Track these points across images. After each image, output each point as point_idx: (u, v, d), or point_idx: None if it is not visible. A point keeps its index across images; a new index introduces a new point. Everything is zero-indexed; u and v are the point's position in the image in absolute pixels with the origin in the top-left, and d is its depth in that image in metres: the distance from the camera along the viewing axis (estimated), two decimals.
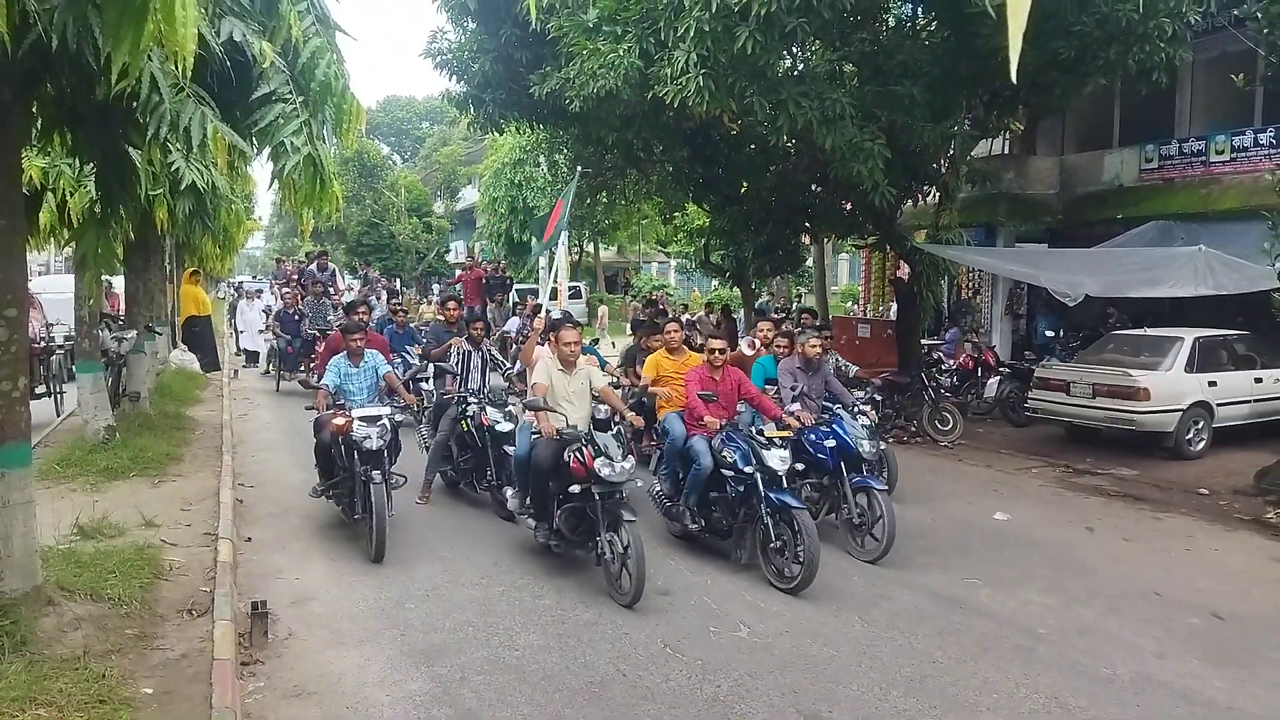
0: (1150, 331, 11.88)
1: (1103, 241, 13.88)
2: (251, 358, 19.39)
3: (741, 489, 6.55)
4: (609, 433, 6.38)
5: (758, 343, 8.98)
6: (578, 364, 6.87)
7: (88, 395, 9.53)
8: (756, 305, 20.50)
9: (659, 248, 36.72)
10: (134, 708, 4.14)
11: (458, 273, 26.08)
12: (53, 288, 16.27)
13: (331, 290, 17.03)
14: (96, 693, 4.15)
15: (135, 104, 4.21)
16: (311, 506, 8.35)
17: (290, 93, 4.54)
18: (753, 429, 6.78)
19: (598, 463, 6.05)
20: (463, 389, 8.52)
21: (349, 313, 10.35)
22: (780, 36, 9.26)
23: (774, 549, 6.31)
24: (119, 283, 15.40)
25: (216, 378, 16.72)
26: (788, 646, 5.33)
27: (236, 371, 18.29)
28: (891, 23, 12.49)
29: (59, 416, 11.30)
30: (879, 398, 9.08)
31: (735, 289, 20.14)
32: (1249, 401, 11.20)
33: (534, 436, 6.68)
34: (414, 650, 5.23)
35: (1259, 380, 11.23)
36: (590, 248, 35.31)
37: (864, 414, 7.66)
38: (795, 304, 25.33)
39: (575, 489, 6.20)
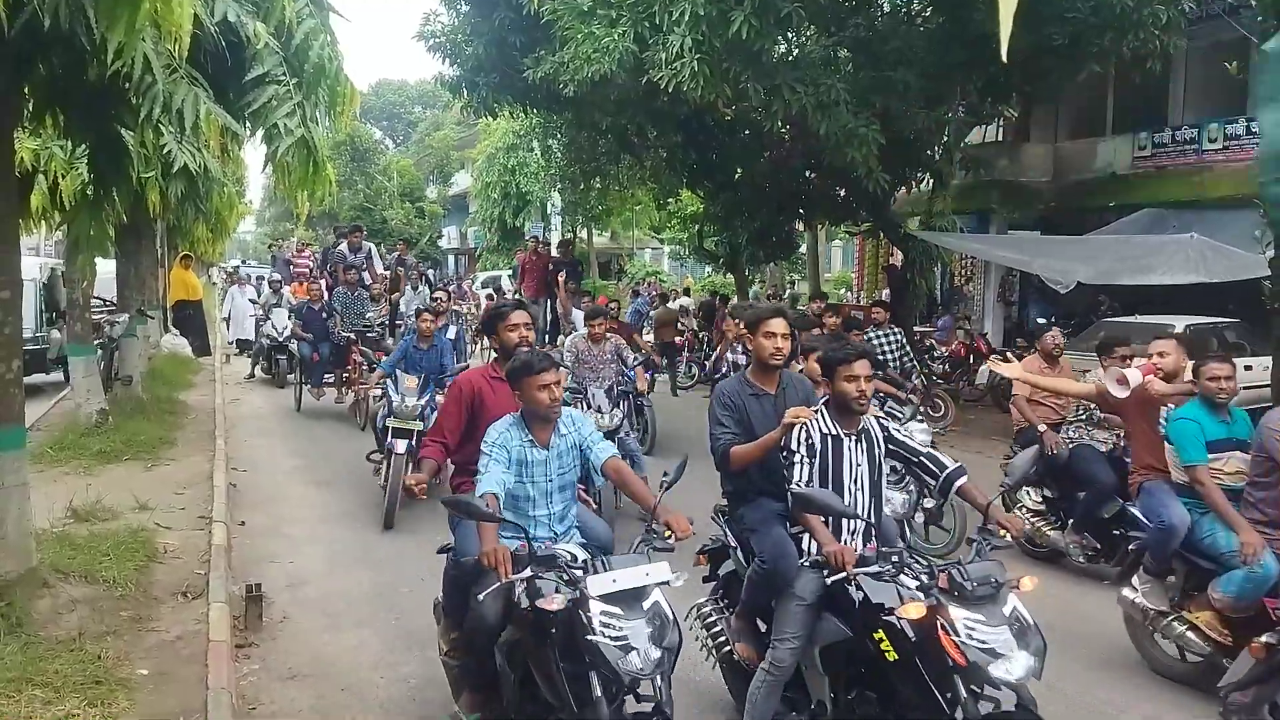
0: (1141, 319, 11.93)
1: (1095, 229, 13.94)
2: (244, 346, 18.01)
3: None
4: None
5: (1140, 374, 5.24)
6: None
7: (80, 379, 9.50)
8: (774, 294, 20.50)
9: (653, 234, 36.67)
10: (130, 689, 4.16)
11: (516, 255, 20.02)
12: None
13: (368, 278, 13.23)
14: (92, 674, 4.16)
15: (128, 85, 4.19)
16: (306, 493, 8.37)
17: (284, 74, 4.51)
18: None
19: None
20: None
21: (493, 328, 4.60)
22: (775, 21, 9.27)
23: None
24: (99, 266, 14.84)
25: (208, 362, 16.68)
26: None
27: (228, 357, 18.23)
28: (886, 8, 12.48)
29: None
30: None
31: (729, 275, 20.15)
32: (1239, 389, 11.26)
33: None
34: (409, 634, 5.24)
35: (1249, 368, 11.28)
36: (584, 234, 35.28)
37: None
38: (788, 290, 25.35)
39: None
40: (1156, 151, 14.87)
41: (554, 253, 16.39)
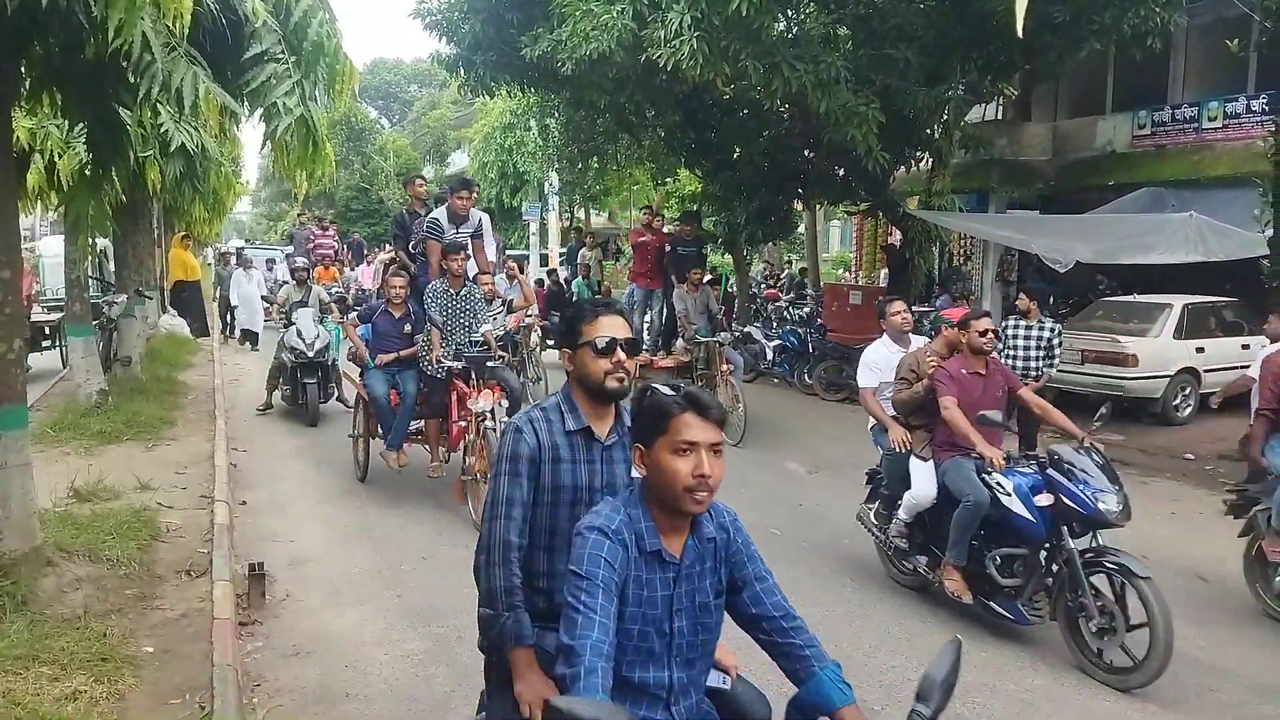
0: (1139, 298, 11.94)
1: (1095, 208, 13.90)
2: (250, 338, 16.55)
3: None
4: None
5: None
6: None
7: (79, 359, 9.50)
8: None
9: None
10: (136, 666, 4.20)
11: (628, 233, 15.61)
12: None
13: (477, 263, 8.17)
14: (98, 651, 4.20)
15: (126, 64, 4.16)
16: (306, 472, 8.39)
17: (282, 53, 4.50)
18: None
19: None
20: None
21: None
22: None
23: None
24: (51, 246, 13.28)
25: (206, 343, 16.67)
26: None
27: (225, 338, 18.14)
28: None
29: None
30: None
31: (726, 255, 20.13)
32: (1236, 368, 11.29)
33: None
34: (411, 611, 5.29)
35: (1246, 347, 11.31)
36: (581, 214, 35.17)
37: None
38: (786, 270, 25.31)
39: None
40: (1156, 130, 14.81)
41: (665, 228, 12.64)
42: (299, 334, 10.26)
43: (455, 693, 4.33)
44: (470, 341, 7.27)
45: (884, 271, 18.24)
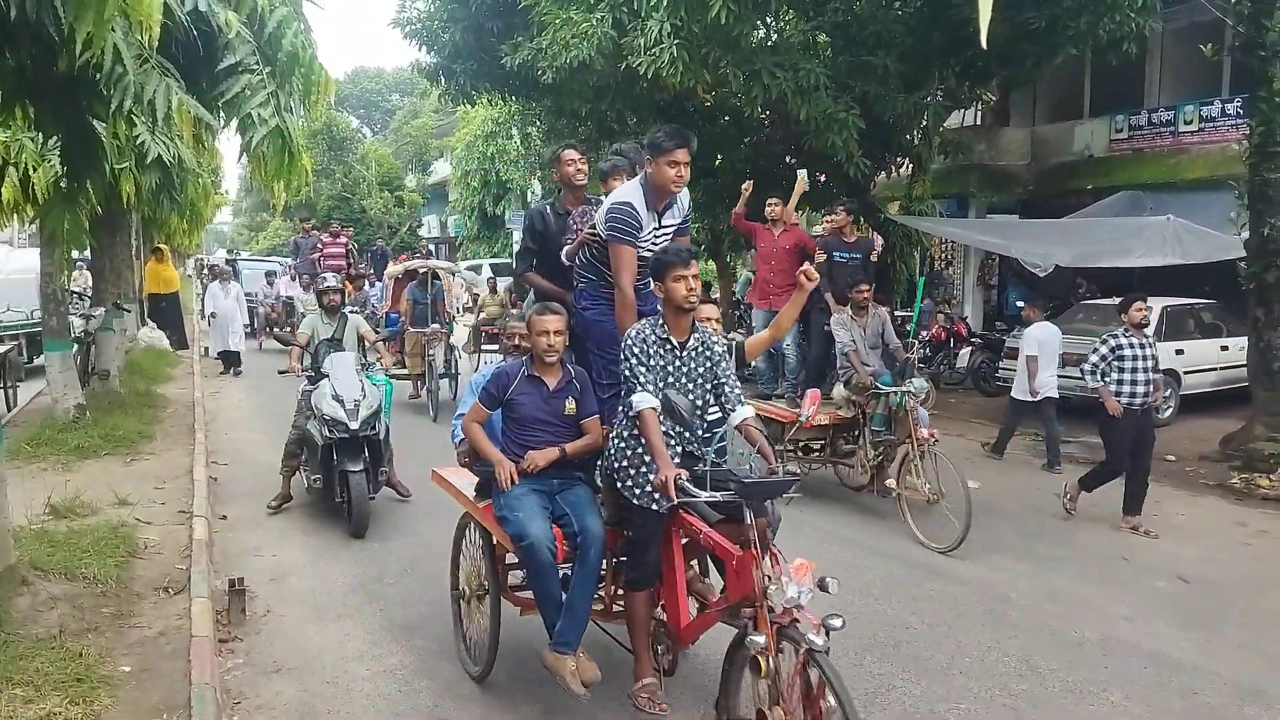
0: (1119, 301, 12.02)
1: (1073, 212, 14.02)
2: (229, 359, 15.20)
3: None
4: None
5: None
6: None
7: (56, 374, 9.39)
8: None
9: None
10: (112, 686, 4.13)
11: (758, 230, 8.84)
12: None
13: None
14: (74, 671, 4.13)
15: (99, 76, 4.13)
16: None
17: (257, 63, 4.49)
18: None
19: None
20: None
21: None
22: (754, 5, 9.26)
23: None
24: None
25: (187, 356, 16.53)
26: None
27: (207, 349, 17.93)
28: None
29: None
30: None
31: (710, 262, 20.13)
32: (1216, 369, 11.40)
33: None
34: (393, 625, 5.24)
35: (1225, 348, 11.42)
36: None
37: None
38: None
39: None
40: (1133, 134, 14.96)
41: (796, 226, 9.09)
42: (334, 395, 6.84)
43: (439, 707, 4.29)
44: (706, 438, 3.89)
45: None
